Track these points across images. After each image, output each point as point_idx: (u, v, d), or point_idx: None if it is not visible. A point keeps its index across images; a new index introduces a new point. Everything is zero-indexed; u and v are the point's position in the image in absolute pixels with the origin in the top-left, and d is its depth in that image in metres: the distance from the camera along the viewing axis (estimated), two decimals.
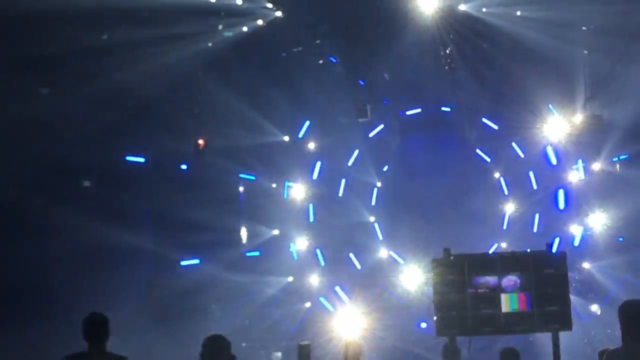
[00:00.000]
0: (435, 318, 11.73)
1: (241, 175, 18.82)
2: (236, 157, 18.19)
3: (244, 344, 17.24)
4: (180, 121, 17.40)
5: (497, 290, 11.42)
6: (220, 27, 16.72)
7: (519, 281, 11.39)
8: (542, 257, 11.76)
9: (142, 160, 17.34)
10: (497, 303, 11.40)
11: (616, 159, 17.83)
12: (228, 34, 16.83)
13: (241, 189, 18.93)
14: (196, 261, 17.93)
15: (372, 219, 19.59)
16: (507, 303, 11.41)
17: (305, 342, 9.88)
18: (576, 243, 17.89)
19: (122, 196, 16.53)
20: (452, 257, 11.67)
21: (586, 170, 18.26)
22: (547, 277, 11.34)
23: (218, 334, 8.26)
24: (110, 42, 15.13)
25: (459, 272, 11.52)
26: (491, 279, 11.46)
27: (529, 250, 13.04)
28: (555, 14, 15.79)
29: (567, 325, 11.33)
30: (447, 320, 11.44)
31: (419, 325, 18.74)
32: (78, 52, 14.46)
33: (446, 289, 11.52)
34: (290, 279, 19.03)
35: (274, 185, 19.10)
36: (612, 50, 16.66)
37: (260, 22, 16.86)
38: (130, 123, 16.56)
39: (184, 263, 17.85)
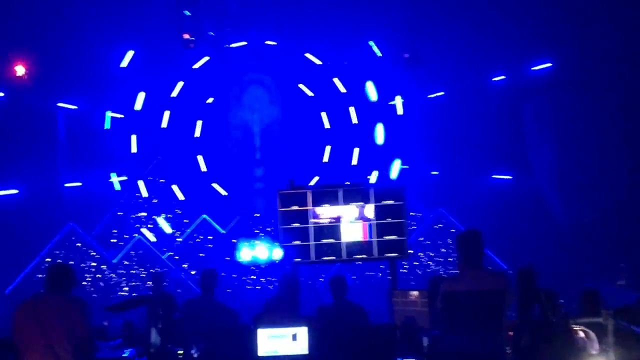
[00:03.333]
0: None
1: (60, 104, 18.07)
2: (56, 84, 17.46)
3: None
4: None
5: (339, 220, 11.76)
6: None
7: (359, 211, 11.77)
8: (382, 189, 12.21)
9: None
10: (338, 233, 11.74)
11: (433, 95, 18.63)
12: None
13: (61, 117, 18.19)
14: (15, 191, 17.24)
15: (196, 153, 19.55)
16: (348, 233, 11.78)
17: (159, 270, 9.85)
18: (393, 177, 18.63)
19: None
20: (295, 188, 11.88)
21: (405, 106, 19.00)
22: (387, 207, 11.76)
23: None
24: None
25: (302, 202, 11.77)
26: (333, 210, 11.77)
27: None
28: None
29: (404, 253, 11.89)
30: (291, 249, 11.69)
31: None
32: None
33: (290, 219, 11.75)
34: None
35: (94, 115, 18.55)
36: None
37: None
38: None
39: (1, 192, 17.12)
